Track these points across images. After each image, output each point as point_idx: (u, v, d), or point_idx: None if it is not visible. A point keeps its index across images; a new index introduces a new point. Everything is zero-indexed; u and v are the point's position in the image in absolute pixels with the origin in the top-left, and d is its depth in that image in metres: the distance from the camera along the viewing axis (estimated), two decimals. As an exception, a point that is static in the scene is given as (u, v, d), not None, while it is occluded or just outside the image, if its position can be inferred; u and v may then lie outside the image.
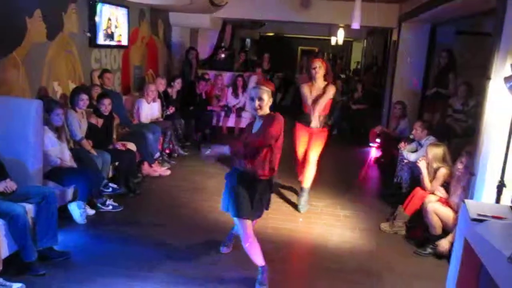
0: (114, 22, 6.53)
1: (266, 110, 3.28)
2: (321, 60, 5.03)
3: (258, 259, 3.38)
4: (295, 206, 5.22)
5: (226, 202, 3.37)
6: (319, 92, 4.92)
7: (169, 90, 7.34)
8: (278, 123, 3.20)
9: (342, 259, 4.04)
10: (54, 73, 5.26)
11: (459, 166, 4.14)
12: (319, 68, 4.87)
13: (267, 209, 3.47)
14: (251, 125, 3.41)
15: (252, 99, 3.26)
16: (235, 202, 3.26)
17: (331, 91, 4.92)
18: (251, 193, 3.26)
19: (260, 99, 3.22)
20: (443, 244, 4.05)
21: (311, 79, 4.98)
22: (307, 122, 5.04)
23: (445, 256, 4.01)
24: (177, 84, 7.49)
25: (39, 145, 3.96)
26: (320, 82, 4.93)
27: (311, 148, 5.10)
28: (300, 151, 5.21)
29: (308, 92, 4.97)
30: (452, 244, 3.73)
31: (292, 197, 5.50)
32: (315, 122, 5.00)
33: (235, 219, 3.34)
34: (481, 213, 2.53)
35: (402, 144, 5.73)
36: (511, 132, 3.26)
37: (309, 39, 17.98)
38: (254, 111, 3.30)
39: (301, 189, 5.22)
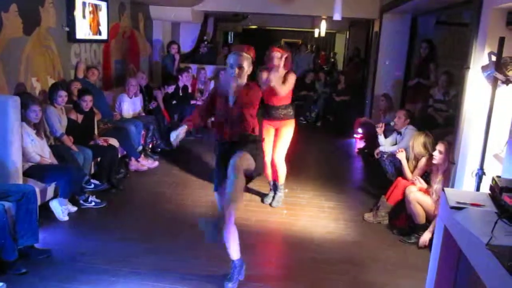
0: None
1: (244, 80, 3.01)
2: (280, 50, 4.71)
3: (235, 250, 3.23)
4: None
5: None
6: (279, 79, 4.60)
7: (159, 92, 7.29)
8: (259, 95, 3.11)
9: (326, 249, 4.07)
10: (32, 69, 5.16)
11: (437, 155, 4.17)
12: (278, 59, 4.62)
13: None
14: (222, 96, 3.07)
15: (231, 66, 2.97)
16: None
17: (292, 78, 4.68)
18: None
19: (240, 67, 2.96)
20: (424, 236, 4.09)
21: (271, 68, 4.62)
22: (269, 115, 4.81)
23: (427, 246, 4.05)
24: (170, 89, 7.46)
25: (17, 142, 3.89)
26: (280, 71, 4.63)
27: (276, 147, 4.88)
28: (267, 153, 4.83)
29: (265, 77, 4.54)
30: (433, 233, 3.77)
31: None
32: (277, 112, 4.78)
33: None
34: (460, 201, 2.55)
35: (380, 124, 5.70)
36: (489, 120, 3.30)
37: (293, 32, 17.97)
38: (231, 80, 2.98)
39: (274, 185, 5.04)
